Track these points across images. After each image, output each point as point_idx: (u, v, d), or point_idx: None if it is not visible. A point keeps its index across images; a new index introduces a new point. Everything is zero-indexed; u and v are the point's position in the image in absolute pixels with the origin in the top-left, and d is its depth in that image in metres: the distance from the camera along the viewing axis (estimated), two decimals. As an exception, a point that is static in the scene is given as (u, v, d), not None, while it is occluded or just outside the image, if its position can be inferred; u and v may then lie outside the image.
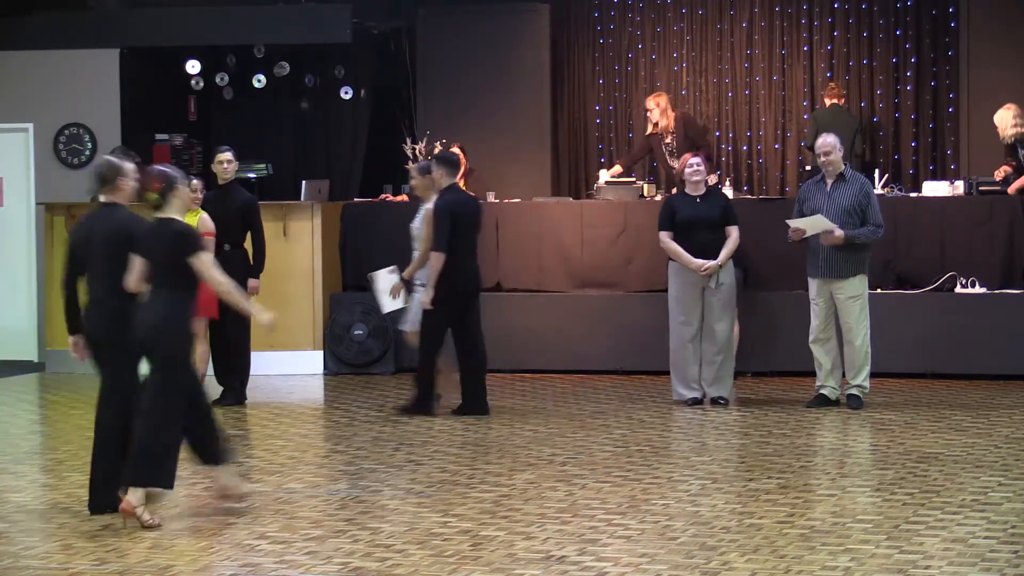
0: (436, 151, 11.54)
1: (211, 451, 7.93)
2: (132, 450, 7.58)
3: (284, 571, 6.67)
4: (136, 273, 7.73)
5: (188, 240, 7.70)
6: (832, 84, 14.99)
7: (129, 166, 8.07)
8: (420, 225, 11.25)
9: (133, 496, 7.48)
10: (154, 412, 7.57)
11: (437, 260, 10.89)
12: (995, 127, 13.19)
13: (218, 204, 11.90)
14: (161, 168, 7.94)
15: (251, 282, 11.78)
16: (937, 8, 15.33)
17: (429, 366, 11.16)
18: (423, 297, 10.98)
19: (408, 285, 11.40)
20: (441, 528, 7.43)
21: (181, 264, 7.62)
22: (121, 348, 7.77)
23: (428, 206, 11.19)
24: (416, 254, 11.30)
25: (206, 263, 7.70)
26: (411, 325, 11.36)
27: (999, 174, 13.12)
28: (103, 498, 7.83)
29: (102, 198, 8.03)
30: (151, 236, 7.72)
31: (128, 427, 7.72)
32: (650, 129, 14.49)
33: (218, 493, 8.06)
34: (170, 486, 7.62)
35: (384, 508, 7.93)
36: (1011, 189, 12.93)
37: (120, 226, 7.85)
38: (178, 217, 7.79)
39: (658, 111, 14.35)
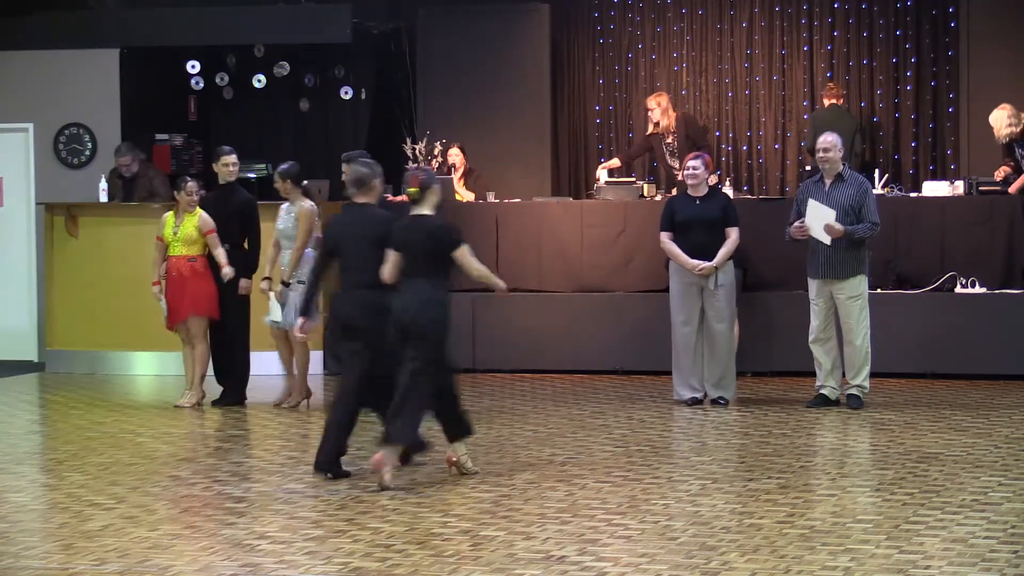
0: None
1: (455, 429, 8.72)
2: (392, 412, 8.42)
3: (284, 571, 6.67)
4: (391, 265, 8.57)
5: (451, 235, 8.56)
6: (831, 84, 14.98)
7: (378, 169, 9.04)
8: (293, 224, 11.52)
9: (387, 452, 8.34)
10: (417, 385, 8.40)
11: None
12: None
13: (218, 204, 11.90)
14: (418, 170, 8.94)
15: (242, 282, 11.75)
16: (937, 8, 15.34)
17: None
18: None
19: (284, 284, 11.54)
20: (441, 528, 7.42)
21: (438, 255, 8.48)
22: (377, 332, 8.60)
23: (303, 205, 11.56)
24: (288, 253, 11.52)
25: (467, 254, 8.56)
26: (290, 323, 11.21)
27: (999, 174, 13.13)
28: (329, 463, 8.70)
29: (357, 200, 8.97)
30: (408, 231, 8.57)
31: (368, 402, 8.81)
32: (651, 129, 14.50)
33: (452, 463, 8.76)
34: (422, 446, 8.63)
35: (384, 508, 7.93)
36: (1011, 189, 12.93)
37: (376, 223, 8.79)
38: (431, 213, 8.59)
39: (659, 111, 14.36)
